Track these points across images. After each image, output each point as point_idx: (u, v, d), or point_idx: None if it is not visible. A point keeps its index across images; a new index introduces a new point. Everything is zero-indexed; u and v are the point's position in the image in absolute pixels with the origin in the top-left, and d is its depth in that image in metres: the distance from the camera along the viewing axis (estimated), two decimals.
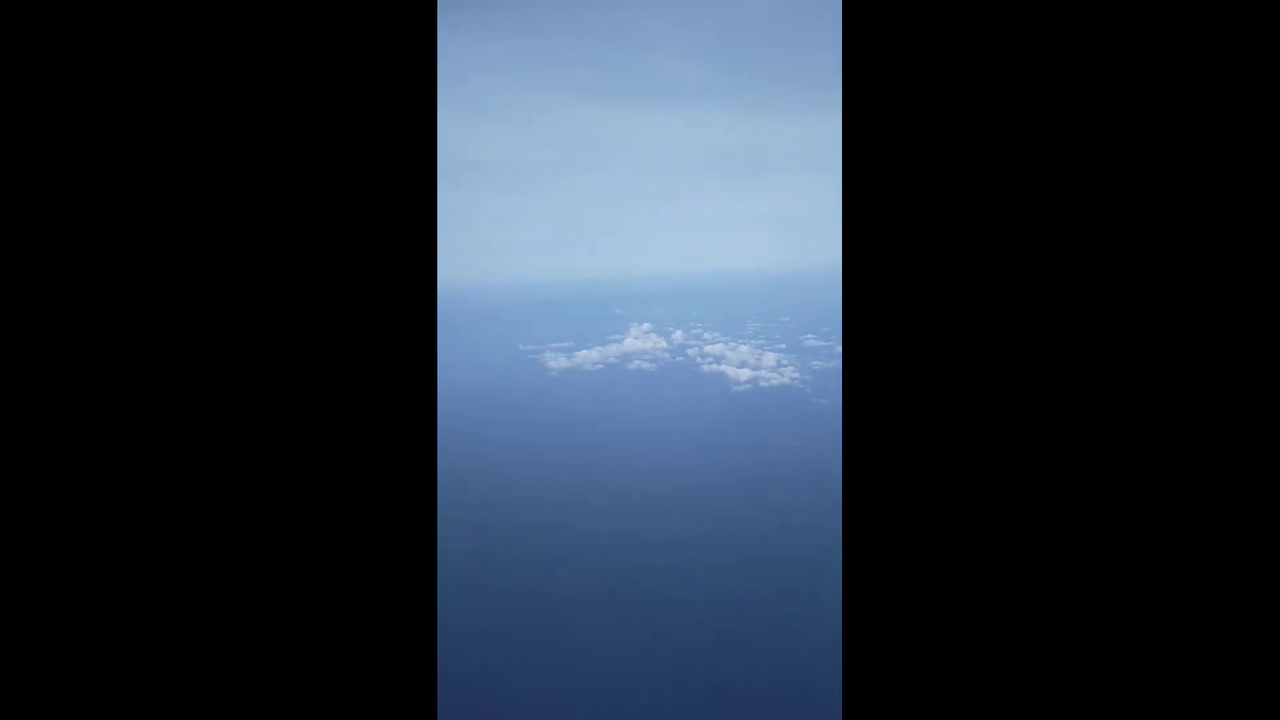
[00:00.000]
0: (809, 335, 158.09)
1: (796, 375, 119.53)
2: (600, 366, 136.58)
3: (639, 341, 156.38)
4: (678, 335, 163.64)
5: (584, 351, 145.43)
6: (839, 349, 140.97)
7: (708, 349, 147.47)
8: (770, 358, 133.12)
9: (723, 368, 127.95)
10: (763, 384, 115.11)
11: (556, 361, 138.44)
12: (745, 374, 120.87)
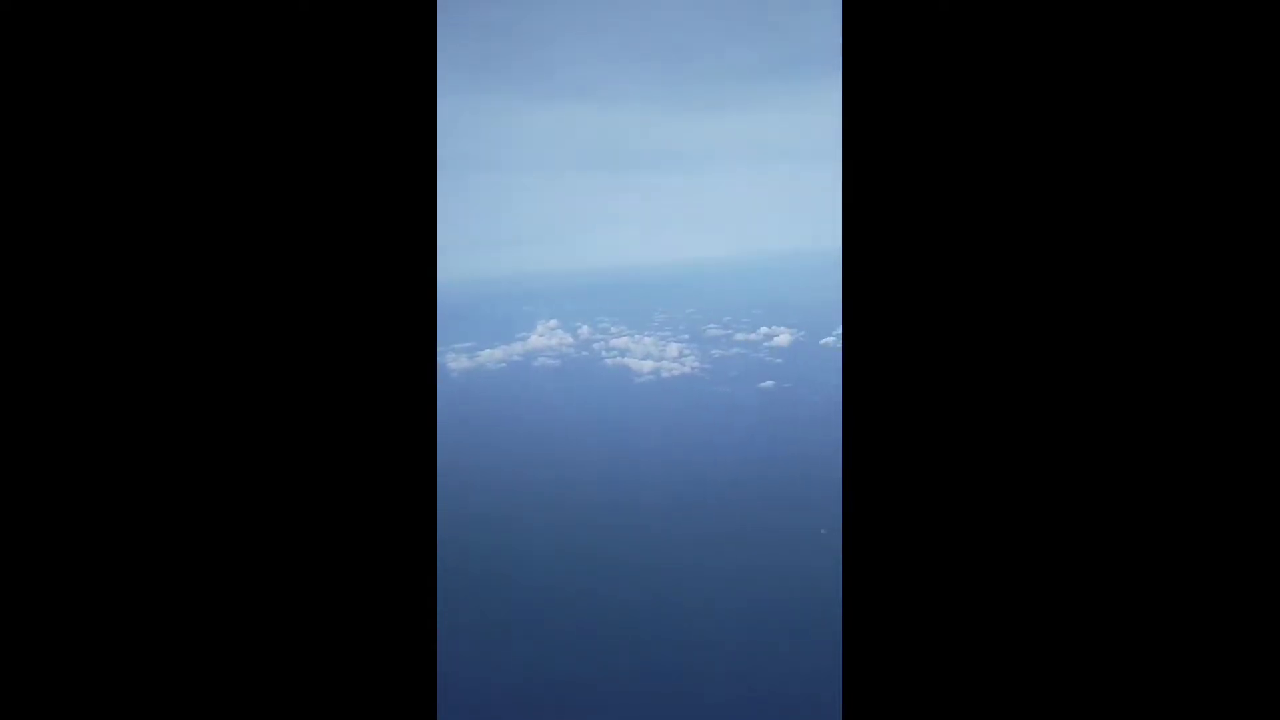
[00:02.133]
0: (711, 325, 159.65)
1: (697, 364, 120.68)
2: (503, 365, 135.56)
3: (544, 339, 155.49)
4: (584, 330, 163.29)
5: (487, 351, 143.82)
6: (739, 336, 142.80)
7: (613, 343, 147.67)
8: (673, 348, 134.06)
9: (626, 360, 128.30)
10: (665, 374, 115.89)
11: (458, 362, 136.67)
12: (648, 365, 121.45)
